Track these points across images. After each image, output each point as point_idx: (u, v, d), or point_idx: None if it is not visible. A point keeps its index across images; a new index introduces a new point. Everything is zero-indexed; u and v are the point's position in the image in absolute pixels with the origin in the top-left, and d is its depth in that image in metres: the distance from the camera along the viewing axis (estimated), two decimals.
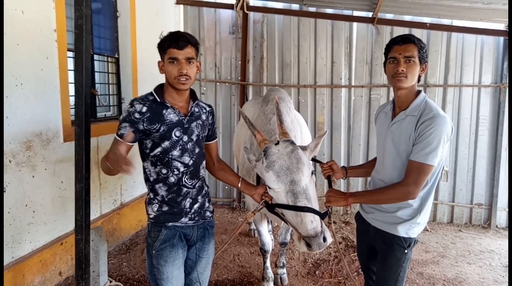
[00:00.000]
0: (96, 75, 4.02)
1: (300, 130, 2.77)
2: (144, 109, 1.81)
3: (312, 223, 1.79)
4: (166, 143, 1.84)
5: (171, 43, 1.78)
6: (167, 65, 1.81)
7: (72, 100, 3.30)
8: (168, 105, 1.85)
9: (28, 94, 2.92)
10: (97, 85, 4.01)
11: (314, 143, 2.12)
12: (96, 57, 3.97)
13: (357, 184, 5.27)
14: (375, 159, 2.21)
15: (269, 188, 1.94)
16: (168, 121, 1.84)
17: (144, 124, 1.80)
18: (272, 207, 1.98)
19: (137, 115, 1.79)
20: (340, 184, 5.24)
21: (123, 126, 1.79)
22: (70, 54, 3.33)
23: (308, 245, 1.78)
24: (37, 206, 3.07)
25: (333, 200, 1.99)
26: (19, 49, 2.82)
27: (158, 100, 1.84)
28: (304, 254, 3.99)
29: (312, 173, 1.97)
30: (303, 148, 2.05)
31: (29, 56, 2.91)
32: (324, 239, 1.80)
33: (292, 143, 1.99)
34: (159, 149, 1.84)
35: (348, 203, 1.93)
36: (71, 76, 3.26)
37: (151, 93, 1.87)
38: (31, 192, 3.00)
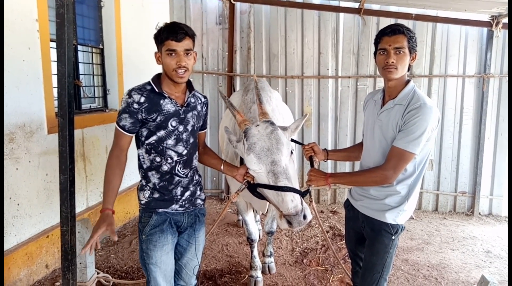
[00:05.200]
0: (81, 66, 3.96)
1: (282, 121, 2.77)
2: (142, 99, 1.84)
3: (293, 202, 1.84)
4: (161, 132, 1.88)
5: (169, 35, 1.77)
6: (165, 57, 1.81)
7: (56, 91, 3.25)
8: (166, 95, 1.88)
9: (10, 86, 2.86)
10: (81, 76, 3.94)
11: (295, 125, 2.16)
12: (80, 47, 3.90)
13: (344, 170, 5.31)
14: (357, 144, 2.25)
15: (251, 169, 1.97)
16: (165, 111, 1.87)
17: (143, 114, 1.83)
18: (254, 187, 2.01)
19: (135, 106, 1.82)
20: (328, 171, 5.27)
21: (123, 117, 1.83)
22: (53, 44, 3.27)
23: (289, 223, 1.85)
24: (22, 199, 3.03)
25: (314, 179, 2.04)
26: None
27: (156, 90, 1.86)
28: (292, 243, 4.04)
29: (291, 153, 2.01)
30: (283, 129, 2.09)
31: (10, 46, 2.85)
32: (304, 217, 1.86)
33: (272, 123, 2.02)
34: (154, 137, 1.88)
35: (328, 183, 1.99)
36: (54, 67, 3.21)
37: (148, 83, 1.89)
38: (15, 184, 2.96)
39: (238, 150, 2.09)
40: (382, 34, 1.90)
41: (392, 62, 1.84)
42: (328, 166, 5.31)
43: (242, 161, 2.28)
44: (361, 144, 2.26)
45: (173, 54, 1.79)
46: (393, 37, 1.85)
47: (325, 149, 2.30)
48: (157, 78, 1.92)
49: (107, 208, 1.81)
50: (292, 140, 2.23)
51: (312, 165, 2.23)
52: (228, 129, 2.23)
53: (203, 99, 2.09)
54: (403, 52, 1.84)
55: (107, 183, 1.88)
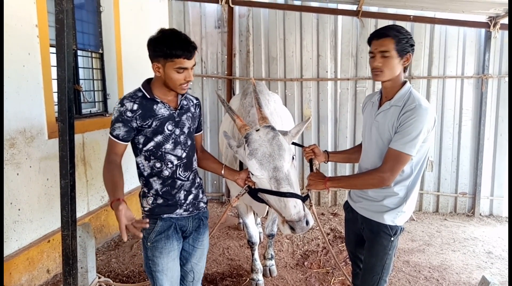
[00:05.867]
0: (80, 71, 3.97)
1: (280, 124, 2.78)
2: (135, 106, 1.81)
3: (295, 208, 1.83)
4: (159, 137, 1.85)
5: (182, 53, 1.72)
6: (173, 73, 1.76)
7: (56, 96, 3.27)
8: (158, 100, 1.86)
9: (10, 91, 2.87)
10: (81, 81, 3.96)
11: (296, 129, 2.15)
12: (79, 52, 3.92)
13: (344, 172, 5.33)
14: (358, 145, 2.26)
15: (252, 174, 1.96)
16: (159, 115, 1.85)
17: (137, 122, 1.80)
18: (255, 192, 2.01)
19: (129, 114, 1.79)
20: (328, 173, 5.29)
21: (117, 126, 1.79)
22: (53, 50, 3.29)
23: (292, 229, 1.84)
24: (23, 204, 3.03)
25: (312, 183, 2.04)
26: None
27: (148, 96, 1.84)
28: (292, 245, 4.04)
29: (292, 158, 2.00)
30: (284, 133, 2.08)
31: (10, 51, 2.86)
32: (307, 222, 1.86)
33: (273, 128, 2.01)
34: (152, 143, 1.86)
35: (327, 187, 1.99)
36: (54, 72, 3.23)
37: (139, 89, 1.86)
38: (16, 190, 2.96)
39: (239, 155, 2.08)
40: (371, 38, 1.91)
41: (377, 65, 1.85)
42: (328, 168, 5.32)
43: (241, 165, 2.29)
44: (361, 145, 2.26)
45: (183, 71, 1.77)
46: (379, 40, 1.85)
47: (325, 151, 2.31)
48: (147, 83, 1.89)
49: (117, 198, 1.61)
50: (293, 143, 2.23)
51: (311, 168, 2.23)
52: (227, 134, 2.21)
53: (195, 101, 2.08)
54: (389, 55, 1.83)
55: (109, 182, 1.74)
